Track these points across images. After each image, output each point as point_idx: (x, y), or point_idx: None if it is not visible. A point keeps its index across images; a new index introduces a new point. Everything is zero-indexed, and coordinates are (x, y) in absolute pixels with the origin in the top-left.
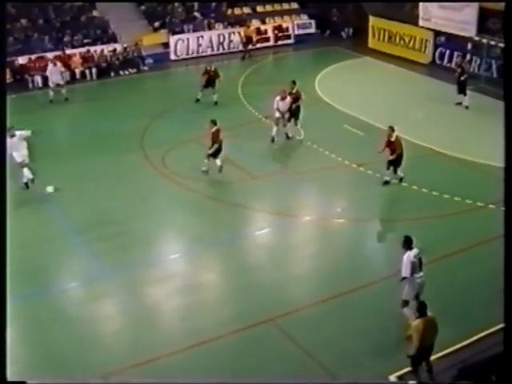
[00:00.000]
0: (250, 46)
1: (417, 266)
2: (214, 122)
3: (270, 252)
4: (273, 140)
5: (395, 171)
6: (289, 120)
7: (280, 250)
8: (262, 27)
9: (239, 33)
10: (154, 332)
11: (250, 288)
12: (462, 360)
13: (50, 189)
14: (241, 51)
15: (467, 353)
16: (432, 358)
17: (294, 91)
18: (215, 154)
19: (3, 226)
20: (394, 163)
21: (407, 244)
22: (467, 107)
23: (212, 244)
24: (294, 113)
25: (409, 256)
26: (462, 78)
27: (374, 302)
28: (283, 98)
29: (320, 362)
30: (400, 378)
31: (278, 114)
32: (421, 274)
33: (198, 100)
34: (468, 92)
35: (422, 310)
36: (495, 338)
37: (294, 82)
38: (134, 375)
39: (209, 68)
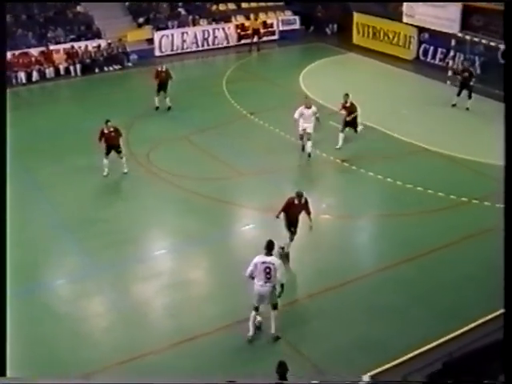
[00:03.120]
0: (256, 39)
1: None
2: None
3: (257, 248)
4: (309, 155)
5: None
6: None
7: None
8: (247, 23)
9: (223, 28)
10: (142, 329)
11: (238, 284)
12: (448, 353)
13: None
14: (244, 44)
15: (453, 346)
16: (417, 352)
17: (349, 104)
18: None
19: (3, 227)
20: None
21: (268, 249)
22: (468, 108)
23: (200, 241)
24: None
25: (258, 261)
26: (472, 83)
27: (360, 298)
28: (308, 108)
29: (308, 357)
30: (373, 377)
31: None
32: (261, 282)
33: (157, 108)
34: (472, 95)
35: (279, 371)
36: (481, 331)
37: (347, 94)
38: (122, 372)
39: (160, 69)
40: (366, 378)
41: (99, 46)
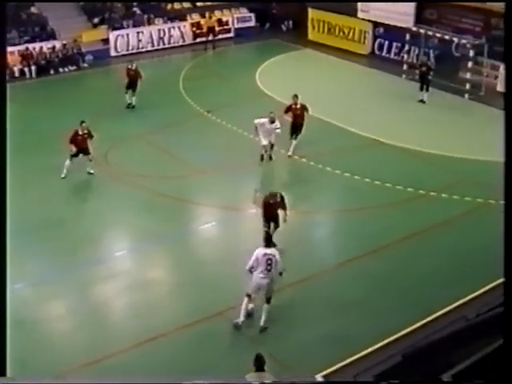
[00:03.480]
0: (211, 37)
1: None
2: None
3: (217, 246)
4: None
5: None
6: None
7: (227, 244)
8: (202, 22)
9: (179, 27)
10: (105, 330)
11: (198, 283)
12: (409, 345)
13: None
14: (200, 43)
15: (415, 338)
16: (375, 347)
17: (299, 105)
18: None
19: (3, 227)
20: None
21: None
22: (424, 102)
23: (160, 240)
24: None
25: (258, 253)
26: (430, 77)
27: (323, 292)
28: (272, 122)
29: (271, 353)
30: (326, 376)
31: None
32: (261, 274)
33: (129, 105)
34: (430, 89)
35: (257, 365)
36: (442, 322)
37: (296, 96)
38: (86, 374)
39: (130, 67)
40: (318, 377)
41: (54, 47)
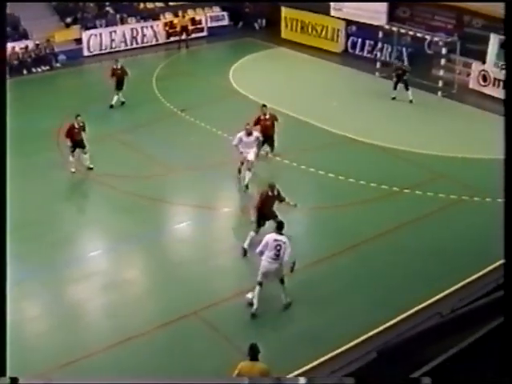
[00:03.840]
0: (185, 36)
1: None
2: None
3: (192, 245)
4: (247, 187)
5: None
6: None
7: (201, 243)
8: (175, 21)
9: (152, 26)
10: (80, 331)
11: (173, 282)
12: (385, 342)
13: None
14: (173, 42)
15: (389, 336)
16: (351, 344)
17: (268, 116)
18: None
19: (3, 227)
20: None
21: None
22: (411, 101)
23: (134, 240)
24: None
25: (269, 238)
26: (405, 77)
27: (298, 291)
28: (249, 134)
29: (246, 352)
30: (300, 374)
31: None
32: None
33: (111, 106)
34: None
35: (251, 353)
36: (418, 318)
37: (264, 106)
38: (62, 376)
39: (115, 67)
40: (301, 380)
41: (27, 47)
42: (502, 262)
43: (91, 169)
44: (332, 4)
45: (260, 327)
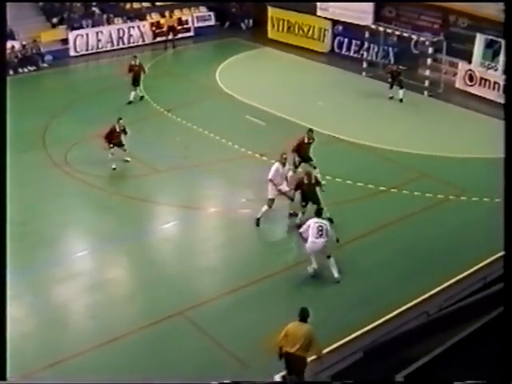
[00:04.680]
0: (171, 36)
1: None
2: None
3: (177, 245)
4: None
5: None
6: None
7: (187, 243)
8: (162, 21)
9: (138, 27)
10: (63, 332)
11: (159, 283)
12: (371, 341)
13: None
14: (160, 42)
15: (376, 335)
16: (336, 344)
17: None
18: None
19: (3, 227)
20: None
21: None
22: (401, 100)
23: (119, 240)
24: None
25: (311, 221)
26: (401, 78)
27: (283, 291)
28: (284, 164)
29: (232, 352)
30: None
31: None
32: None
33: (130, 102)
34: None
35: (300, 315)
36: (405, 317)
37: (311, 131)
38: (45, 377)
39: (133, 63)
40: (277, 377)
41: (13, 48)
42: (488, 260)
43: (128, 161)
44: (318, 4)
45: (245, 328)
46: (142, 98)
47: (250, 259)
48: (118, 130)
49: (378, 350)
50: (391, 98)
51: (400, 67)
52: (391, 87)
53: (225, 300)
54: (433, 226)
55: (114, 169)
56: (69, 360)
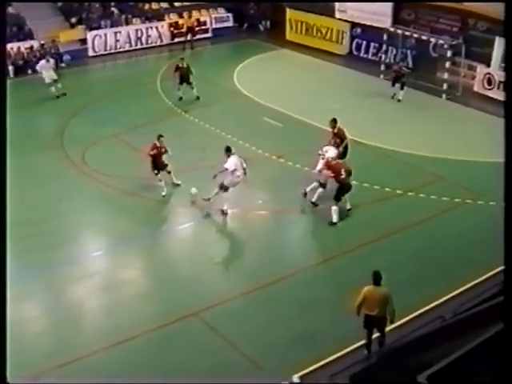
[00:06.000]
0: (190, 37)
1: None
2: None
3: (193, 246)
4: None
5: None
6: None
7: (202, 244)
8: (180, 21)
9: (156, 27)
10: (77, 331)
11: (173, 283)
12: (386, 345)
13: (193, 190)
14: (178, 43)
15: (391, 339)
16: (351, 348)
17: (336, 130)
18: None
19: (3, 227)
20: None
21: None
22: (399, 100)
23: (134, 241)
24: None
25: None
26: (404, 79)
27: (297, 292)
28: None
29: (245, 353)
30: (302, 377)
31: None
32: None
33: (181, 98)
34: (405, 88)
35: (374, 278)
36: (419, 322)
37: (334, 121)
38: (59, 376)
39: (180, 65)
40: (295, 378)
41: (32, 47)
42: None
43: (179, 185)
44: (337, 6)
45: (258, 329)
46: (197, 97)
47: (265, 261)
48: (161, 149)
49: (392, 354)
50: (393, 96)
51: (404, 68)
52: (393, 85)
53: (239, 301)
54: (449, 229)
55: (164, 196)
56: (82, 359)
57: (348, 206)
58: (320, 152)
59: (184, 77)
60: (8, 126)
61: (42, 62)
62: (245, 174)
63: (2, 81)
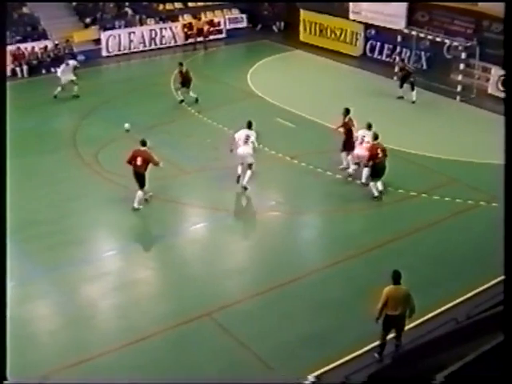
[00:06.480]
0: (200, 38)
1: None
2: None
3: (206, 247)
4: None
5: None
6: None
7: (216, 245)
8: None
9: (170, 28)
10: (89, 331)
11: (186, 284)
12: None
13: (127, 126)
14: (192, 43)
15: (404, 341)
16: (365, 349)
17: (347, 119)
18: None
19: (3, 227)
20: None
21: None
22: (413, 102)
23: (147, 241)
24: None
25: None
26: (412, 79)
27: (309, 294)
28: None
29: (257, 354)
30: (318, 377)
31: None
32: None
33: (182, 101)
34: (415, 88)
35: (394, 278)
36: (433, 324)
37: (347, 111)
38: (71, 375)
39: (182, 70)
40: (311, 378)
41: (46, 47)
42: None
43: (134, 209)
44: (351, 7)
45: (271, 330)
46: (196, 99)
47: (278, 262)
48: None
49: (406, 357)
50: (400, 97)
51: (410, 66)
52: (401, 86)
53: (252, 302)
54: (463, 231)
55: (136, 209)
56: (95, 359)
57: (380, 187)
58: (357, 135)
59: (184, 81)
60: (21, 125)
61: (62, 66)
62: (253, 147)
63: (2, 81)
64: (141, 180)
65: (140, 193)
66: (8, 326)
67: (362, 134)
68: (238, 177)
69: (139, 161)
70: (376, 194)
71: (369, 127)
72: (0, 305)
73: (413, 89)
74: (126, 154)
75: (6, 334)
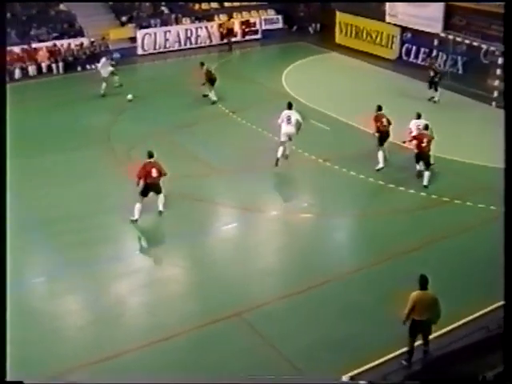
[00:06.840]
0: (233, 38)
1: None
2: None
3: (236, 247)
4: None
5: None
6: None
7: (246, 245)
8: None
9: (206, 27)
10: (118, 327)
11: (215, 283)
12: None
13: (130, 96)
14: (226, 44)
15: (433, 348)
16: (392, 355)
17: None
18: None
19: (3, 227)
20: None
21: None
22: (435, 102)
23: (177, 239)
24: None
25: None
26: (437, 79)
27: (339, 297)
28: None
29: (285, 356)
30: (352, 378)
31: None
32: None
33: (205, 95)
34: (439, 88)
35: (421, 283)
36: (463, 332)
37: (379, 108)
38: (98, 371)
39: (210, 70)
40: (344, 378)
41: (82, 44)
42: None
43: (161, 212)
44: (387, 10)
45: (298, 333)
46: (213, 101)
47: (308, 264)
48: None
49: (434, 364)
50: (432, 98)
51: (437, 66)
52: (430, 87)
53: (281, 303)
54: (496, 239)
55: (134, 221)
56: (121, 356)
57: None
58: (410, 126)
59: (212, 80)
60: (57, 122)
61: (103, 60)
62: (298, 128)
63: (2, 81)
64: (157, 189)
65: (162, 196)
66: (36, 321)
67: (415, 124)
68: (277, 160)
69: (155, 172)
70: (426, 183)
71: (418, 117)
72: (1, 308)
73: (436, 89)
74: (158, 152)
75: (6, 333)
